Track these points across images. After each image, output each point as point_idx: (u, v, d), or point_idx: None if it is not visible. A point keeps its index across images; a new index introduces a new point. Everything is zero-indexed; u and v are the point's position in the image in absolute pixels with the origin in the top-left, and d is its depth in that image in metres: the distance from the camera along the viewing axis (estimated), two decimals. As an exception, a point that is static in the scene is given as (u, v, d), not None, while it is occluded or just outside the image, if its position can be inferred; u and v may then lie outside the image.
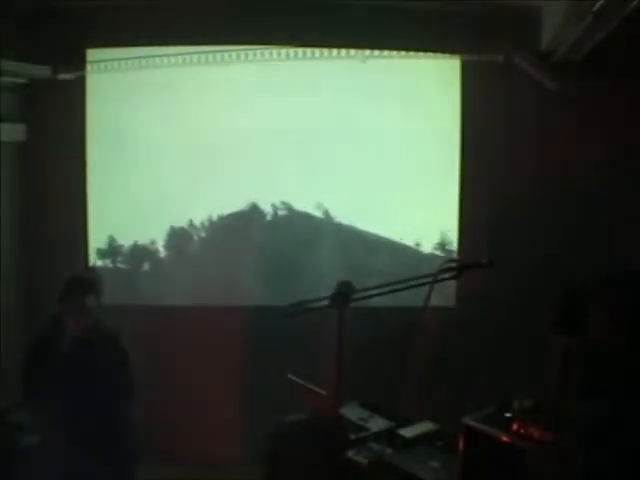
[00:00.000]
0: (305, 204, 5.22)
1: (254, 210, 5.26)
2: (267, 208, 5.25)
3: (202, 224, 5.32)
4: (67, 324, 3.76)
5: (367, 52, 4.91)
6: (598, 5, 3.42)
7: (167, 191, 5.08)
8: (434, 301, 2.83)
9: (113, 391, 3.72)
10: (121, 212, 5.14)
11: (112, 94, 4.93)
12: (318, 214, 5.23)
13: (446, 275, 2.72)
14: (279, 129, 4.95)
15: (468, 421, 3.21)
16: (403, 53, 4.93)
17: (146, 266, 5.36)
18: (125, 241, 5.28)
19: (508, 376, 4.28)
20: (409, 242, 5.20)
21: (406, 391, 4.17)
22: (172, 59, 4.85)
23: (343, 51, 4.89)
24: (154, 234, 5.28)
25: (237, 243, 5.27)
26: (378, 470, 3.27)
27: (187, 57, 4.84)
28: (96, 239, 5.19)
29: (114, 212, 5.15)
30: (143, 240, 5.28)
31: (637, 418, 2.71)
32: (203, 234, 5.38)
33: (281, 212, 5.30)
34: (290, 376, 3.67)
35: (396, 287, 2.72)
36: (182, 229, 5.31)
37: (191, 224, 5.29)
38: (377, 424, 3.64)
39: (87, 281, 3.91)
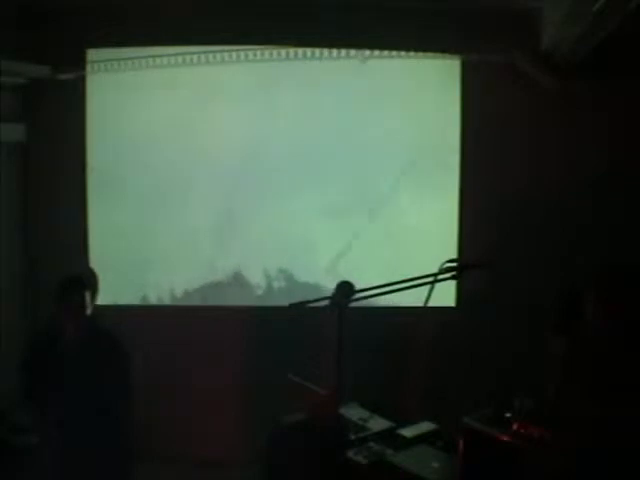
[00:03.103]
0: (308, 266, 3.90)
1: (238, 280, 4.31)
2: (256, 277, 4.20)
3: (160, 300, 4.35)
4: (65, 324, 3.76)
5: (367, 52, 4.92)
6: (598, 5, 3.42)
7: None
8: (434, 301, 2.83)
9: (112, 391, 3.71)
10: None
11: (112, 94, 4.93)
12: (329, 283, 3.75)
13: (446, 275, 2.72)
14: (277, 133, 4.92)
15: (468, 421, 3.20)
16: (403, 53, 4.93)
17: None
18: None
19: (508, 376, 4.27)
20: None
21: (406, 391, 4.18)
22: (172, 59, 4.85)
23: (343, 51, 4.89)
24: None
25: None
26: (378, 470, 3.26)
27: (187, 57, 4.84)
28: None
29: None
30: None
31: (636, 417, 2.71)
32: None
33: (278, 284, 4.18)
34: (290, 376, 3.67)
35: (396, 287, 2.73)
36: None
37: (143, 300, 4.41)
38: (377, 424, 3.63)
39: (84, 281, 3.90)
